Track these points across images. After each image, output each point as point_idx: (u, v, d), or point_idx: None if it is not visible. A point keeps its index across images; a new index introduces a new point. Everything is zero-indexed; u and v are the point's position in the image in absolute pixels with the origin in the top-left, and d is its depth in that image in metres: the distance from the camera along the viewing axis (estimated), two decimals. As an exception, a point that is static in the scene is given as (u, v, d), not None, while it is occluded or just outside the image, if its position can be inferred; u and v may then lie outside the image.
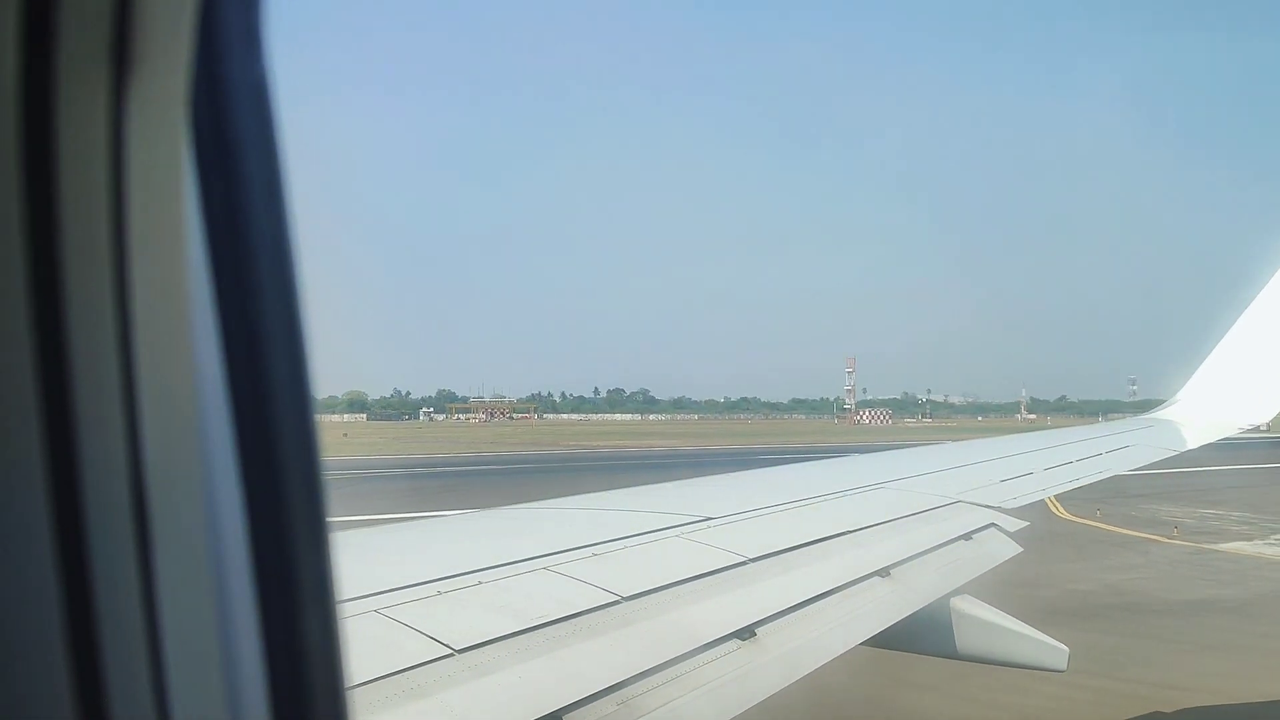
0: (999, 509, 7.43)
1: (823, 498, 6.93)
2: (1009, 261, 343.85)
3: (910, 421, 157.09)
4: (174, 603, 0.97)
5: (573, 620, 3.70)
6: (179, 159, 0.98)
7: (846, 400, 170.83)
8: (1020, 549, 6.84)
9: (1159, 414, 15.02)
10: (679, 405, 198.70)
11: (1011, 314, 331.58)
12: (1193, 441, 13.08)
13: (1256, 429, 14.07)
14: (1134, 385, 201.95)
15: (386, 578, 3.74)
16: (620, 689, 3.35)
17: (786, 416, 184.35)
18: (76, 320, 0.90)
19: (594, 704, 3.22)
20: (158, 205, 0.96)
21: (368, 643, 3.12)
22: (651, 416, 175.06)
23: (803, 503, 6.65)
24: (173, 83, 0.94)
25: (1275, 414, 13.84)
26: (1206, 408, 13.92)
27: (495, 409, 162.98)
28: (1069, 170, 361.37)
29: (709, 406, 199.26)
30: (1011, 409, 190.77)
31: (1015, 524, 7.21)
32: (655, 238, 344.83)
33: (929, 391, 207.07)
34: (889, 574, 5.47)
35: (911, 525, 6.55)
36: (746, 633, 4.12)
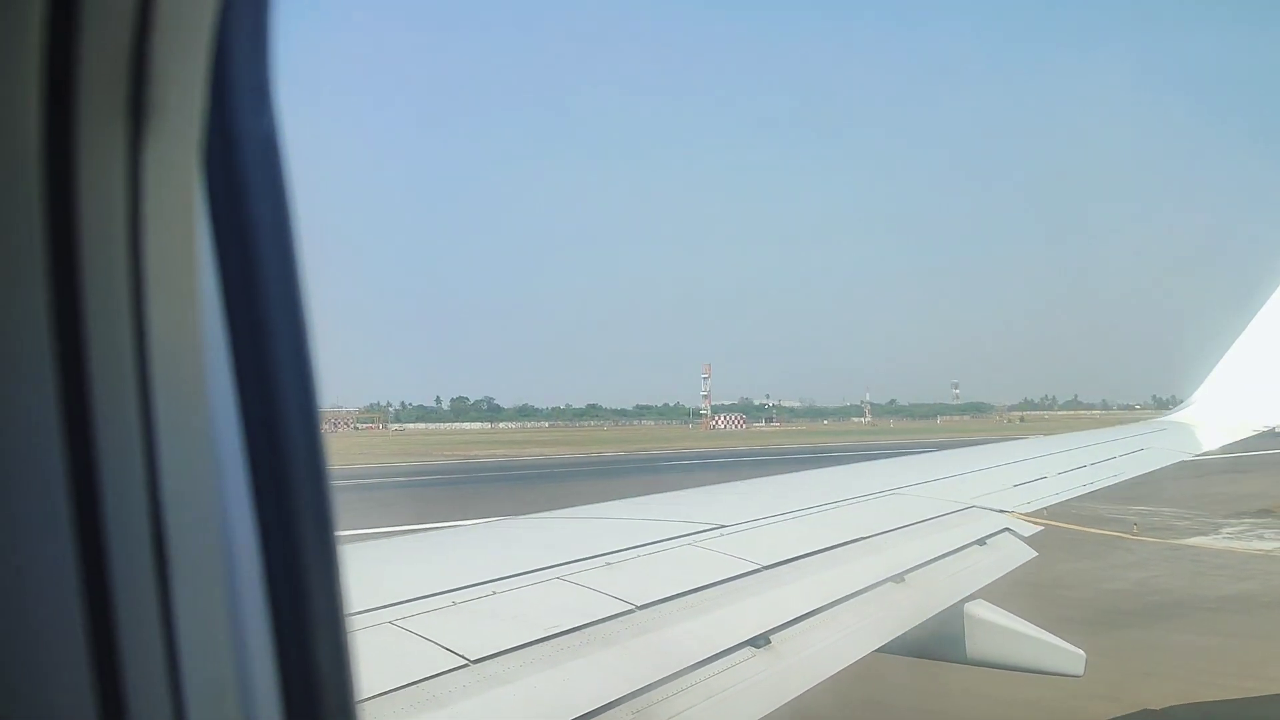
0: (1013, 514, 7.43)
1: (835, 504, 6.91)
2: (841, 266, 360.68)
3: (760, 426, 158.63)
4: (189, 616, 1.01)
5: (587, 630, 3.70)
6: (192, 205, 1.03)
7: (702, 406, 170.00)
8: (1035, 554, 6.83)
9: (1174, 416, 15.36)
10: (524, 413, 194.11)
11: (842, 318, 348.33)
12: (1208, 444, 13.18)
13: (1272, 430, 14.32)
14: (956, 389, 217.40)
15: (400, 589, 3.74)
16: (634, 698, 3.37)
17: (636, 423, 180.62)
18: (97, 353, 0.94)
19: (608, 713, 3.22)
20: (172, 248, 1.01)
21: (383, 654, 3.13)
22: (500, 425, 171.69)
23: (815, 509, 6.61)
24: (187, 134, 0.99)
25: None
26: (1221, 409, 14.07)
27: (338, 419, 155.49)
28: (933, 170, 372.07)
29: (555, 414, 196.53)
30: (849, 412, 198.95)
31: (1029, 529, 7.25)
32: (489, 243, 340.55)
33: (768, 397, 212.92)
34: (903, 580, 5.47)
35: (925, 531, 6.54)
36: (761, 640, 4.12)
